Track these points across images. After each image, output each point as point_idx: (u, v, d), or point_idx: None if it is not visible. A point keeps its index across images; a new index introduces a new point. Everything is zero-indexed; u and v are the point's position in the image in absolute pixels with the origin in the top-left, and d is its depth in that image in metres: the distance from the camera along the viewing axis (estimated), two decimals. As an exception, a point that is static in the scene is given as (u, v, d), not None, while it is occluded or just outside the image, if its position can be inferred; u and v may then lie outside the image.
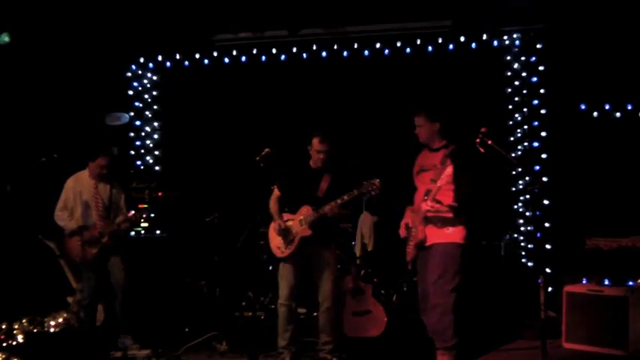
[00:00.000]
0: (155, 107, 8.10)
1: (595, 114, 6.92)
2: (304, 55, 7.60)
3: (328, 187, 5.16)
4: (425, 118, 4.86)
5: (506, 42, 7.26)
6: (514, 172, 7.08)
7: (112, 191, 5.86)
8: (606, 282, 5.50)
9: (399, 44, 7.36)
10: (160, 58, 7.92)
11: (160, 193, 6.88)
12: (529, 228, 7.02)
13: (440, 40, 7.30)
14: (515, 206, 7.18)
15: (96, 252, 5.67)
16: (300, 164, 5.29)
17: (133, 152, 7.92)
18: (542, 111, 7.04)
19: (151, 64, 8.00)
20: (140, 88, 8.04)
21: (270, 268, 6.74)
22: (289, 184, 5.28)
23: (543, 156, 6.99)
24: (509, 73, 7.27)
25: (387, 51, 7.42)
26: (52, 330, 5.39)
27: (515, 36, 7.21)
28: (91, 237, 5.67)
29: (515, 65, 7.23)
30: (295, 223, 5.16)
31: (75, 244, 5.70)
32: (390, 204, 7.01)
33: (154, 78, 8.12)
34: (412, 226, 4.92)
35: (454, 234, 4.75)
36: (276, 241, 5.23)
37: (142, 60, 7.93)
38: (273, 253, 5.28)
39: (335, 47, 7.49)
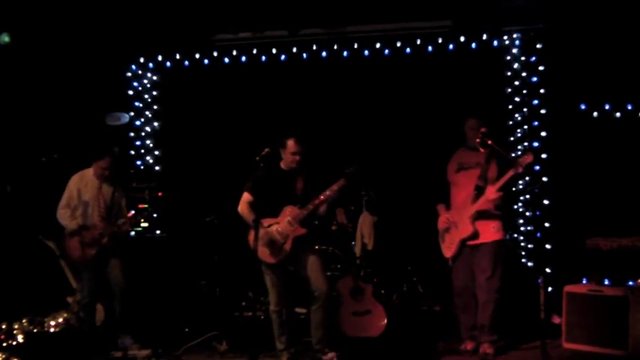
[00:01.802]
0: (155, 107, 8.09)
1: (595, 114, 6.91)
2: (304, 55, 7.59)
3: (304, 186, 5.15)
4: (478, 121, 5.27)
5: (506, 42, 7.26)
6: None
7: (115, 193, 5.86)
8: (606, 282, 5.50)
9: (399, 44, 7.35)
10: (160, 58, 7.92)
11: (160, 193, 6.87)
12: (529, 228, 7.01)
13: (440, 40, 7.29)
14: (515, 206, 7.18)
15: (95, 252, 5.66)
16: (271, 167, 5.20)
17: (133, 152, 7.91)
18: (542, 111, 7.03)
19: (151, 64, 7.99)
20: (140, 88, 8.03)
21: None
22: (265, 188, 5.15)
23: (543, 156, 6.98)
24: (509, 73, 7.27)
25: (387, 51, 7.41)
26: (52, 330, 5.40)
27: (515, 36, 7.20)
28: (91, 237, 5.67)
29: (515, 65, 7.22)
30: (283, 225, 5.09)
31: (74, 244, 5.69)
32: (390, 203, 7.05)
33: (154, 78, 8.11)
34: (454, 221, 5.25)
35: (498, 231, 5.21)
36: (265, 248, 5.06)
37: (142, 60, 7.92)
38: (263, 261, 5.10)
39: (335, 47, 7.48)
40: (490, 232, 5.18)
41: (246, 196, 5.21)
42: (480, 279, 5.18)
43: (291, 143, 5.14)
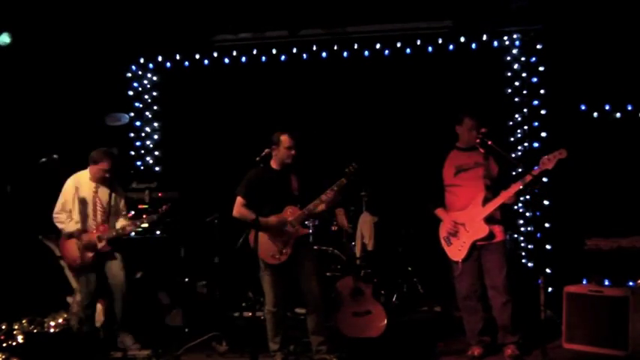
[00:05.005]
0: (155, 108, 8.10)
1: (595, 114, 6.92)
2: (304, 55, 7.60)
3: (300, 185, 5.12)
4: (476, 120, 5.19)
5: (506, 42, 7.26)
6: (514, 173, 7.07)
7: (112, 195, 5.79)
8: (606, 282, 5.50)
9: (399, 45, 7.36)
10: (160, 58, 7.93)
11: (160, 194, 6.87)
12: (529, 228, 7.02)
13: (440, 41, 7.30)
14: (515, 206, 7.18)
15: (93, 256, 5.63)
16: (260, 169, 5.17)
17: (133, 152, 7.92)
18: (543, 111, 7.05)
19: (151, 65, 8.00)
20: (140, 89, 8.04)
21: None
22: (260, 189, 5.09)
23: (543, 156, 6.99)
24: (509, 74, 7.28)
25: (387, 51, 7.42)
26: (51, 330, 5.38)
27: (515, 36, 7.21)
28: (88, 241, 5.62)
29: (516, 66, 7.23)
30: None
31: (72, 247, 5.66)
32: (390, 203, 7.05)
33: (154, 78, 8.12)
34: (462, 223, 5.13)
35: (502, 231, 5.18)
36: (267, 249, 5.03)
37: (142, 60, 7.93)
38: (264, 262, 5.06)
39: (335, 47, 7.49)
40: (498, 231, 5.14)
41: (239, 200, 5.14)
42: (497, 280, 5.08)
43: (285, 138, 5.08)
